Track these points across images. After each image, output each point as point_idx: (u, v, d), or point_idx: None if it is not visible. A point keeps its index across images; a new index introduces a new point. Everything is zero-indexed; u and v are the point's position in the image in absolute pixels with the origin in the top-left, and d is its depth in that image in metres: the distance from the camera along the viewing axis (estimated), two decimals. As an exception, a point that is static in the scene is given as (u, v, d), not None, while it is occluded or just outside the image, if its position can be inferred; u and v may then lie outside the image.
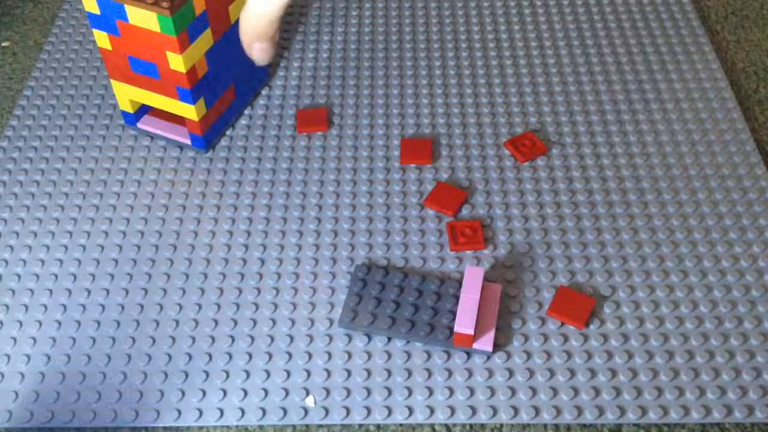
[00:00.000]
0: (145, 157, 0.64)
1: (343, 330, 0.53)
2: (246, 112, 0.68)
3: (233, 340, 0.53)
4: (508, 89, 0.70)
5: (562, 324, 0.54)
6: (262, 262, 0.57)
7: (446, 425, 0.49)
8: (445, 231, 0.59)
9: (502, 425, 0.49)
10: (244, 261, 0.57)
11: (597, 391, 0.50)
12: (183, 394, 0.50)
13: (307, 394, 0.50)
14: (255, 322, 0.54)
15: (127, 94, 0.63)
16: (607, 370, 0.51)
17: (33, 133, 0.66)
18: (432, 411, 0.49)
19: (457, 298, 0.53)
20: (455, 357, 0.52)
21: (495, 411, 0.49)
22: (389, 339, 0.53)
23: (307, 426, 0.49)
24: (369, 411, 0.50)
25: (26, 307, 0.55)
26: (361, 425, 0.49)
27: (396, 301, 0.53)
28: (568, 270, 0.57)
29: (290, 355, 0.52)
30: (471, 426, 0.49)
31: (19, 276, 0.56)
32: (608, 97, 0.69)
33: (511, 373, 0.51)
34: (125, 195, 0.61)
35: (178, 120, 0.66)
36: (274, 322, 0.54)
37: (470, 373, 0.51)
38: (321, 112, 0.67)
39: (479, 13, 0.78)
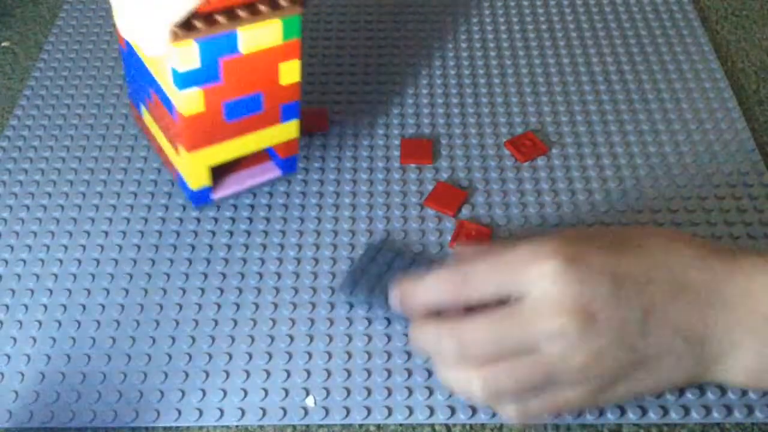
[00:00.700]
0: (146, 156, 0.64)
1: (344, 300, 0.53)
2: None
3: (233, 340, 0.53)
4: (508, 89, 0.70)
5: (562, 324, 0.54)
6: (262, 261, 0.57)
7: (446, 425, 0.49)
8: (445, 231, 0.59)
9: (502, 425, 0.49)
10: (244, 261, 0.57)
11: (597, 391, 0.50)
12: (183, 394, 0.50)
13: (307, 394, 0.50)
14: (255, 322, 0.54)
15: (207, 161, 0.55)
16: (607, 370, 0.51)
17: (33, 133, 0.66)
18: (432, 411, 0.49)
19: None
20: (455, 357, 0.52)
21: (495, 411, 0.49)
22: (389, 339, 0.53)
23: (307, 426, 0.49)
24: (369, 411, 0.50)
25: (26, 307, 0.55)
26: (361, 425, 0.49)
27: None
28: (568, 270, 0.57)
29: (290, 355, 0.52)
30: (471, 426, 0.49)
31: (19, 276, 0.56)
32: (608, 97, 0.69)
33: (511, 373, 0.51)
34: (125, 195, 0.61)
35: (254, 162, 0.60)
36: (274, 322, 0.54)
37: (470, 373, 0.51)
38: (322, 111, 0.67)
39: (479, 13, 0.78)
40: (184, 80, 0.49)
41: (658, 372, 0.41)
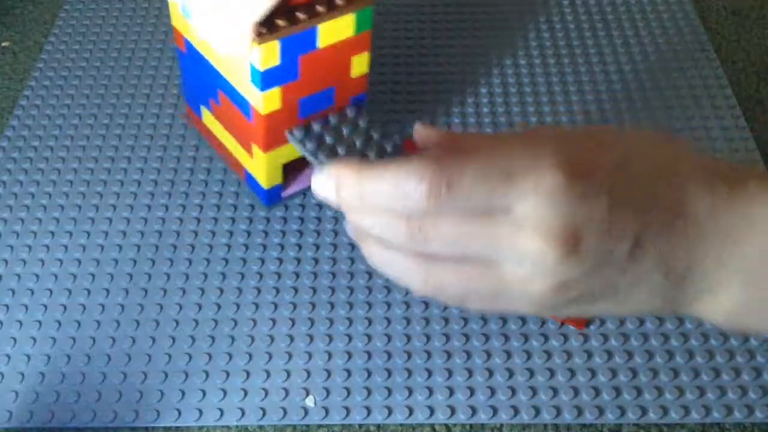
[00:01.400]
0: (145, 156, 0.64)
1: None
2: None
3: (233, 340, 0.53)
4: (508, 89, 0.70)
5: (562, 324, 0.54)
6: (262, 261, 0.57)
7: (446, 425, 0.49)
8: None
9: (502, 425, 0.49)
10: (244, 261, 0.57)
11: (597, 391, 0.50)
12: (183, 394, 0.50)
13: (307, 394, 0.50)
14: (255, 322, 0.54)
15: (281, 159, 0.55)
16: (607, 369, 0.51)
17: (33, 133, 0.66)
18: (432, 411, 0.49)
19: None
20: (455, 357, 0.52)
21: (495, 411, 0.49)
22: (389, 339, 0.53)
23: (307, 426, 0.49)
24: (369, 411, 0.50)
25: (26, 307, 0.55)
26: (361, 425, 0.49)
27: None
28: (568, 270, 0.57)
29: (290, 355, 0.52)
30: (471, 426, 0.49)
31: (19, 276, 0.56)
32: (608, 96, 0.69)
33: (511, 373, 0.51)
34: (125, 195, 0.61)
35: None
36: (273, 322, 0.54)
37: (470, 373, 0.51)
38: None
39: (479, 13, 0.78)
40: (265, 79, 0.49)
41: (623, 303, 0.37)
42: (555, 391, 0.50)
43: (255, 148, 0.54)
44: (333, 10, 0.49)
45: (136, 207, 0.61)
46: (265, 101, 0.50)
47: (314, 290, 0.55)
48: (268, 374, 0.51)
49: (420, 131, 0.39)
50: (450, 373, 0.51)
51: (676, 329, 0.53)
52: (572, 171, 0.34)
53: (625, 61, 0.73)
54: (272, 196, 0.59)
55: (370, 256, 0.37)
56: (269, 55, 0.48)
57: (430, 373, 0.51)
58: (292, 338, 0.53)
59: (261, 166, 0.55)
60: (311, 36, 0.49)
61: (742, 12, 0.79)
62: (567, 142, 0.35)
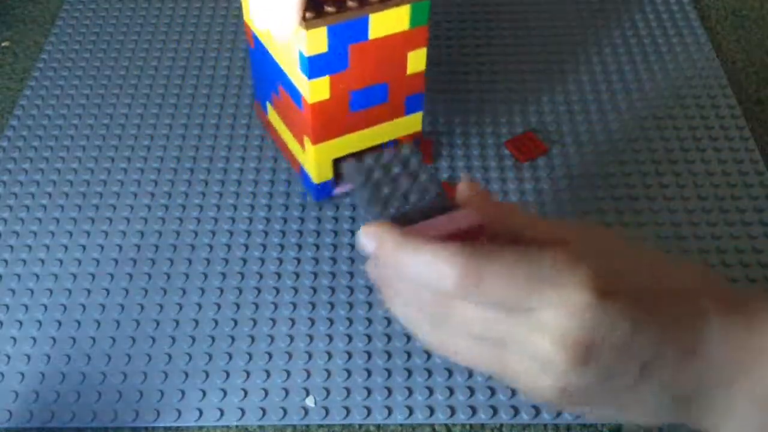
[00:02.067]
0: (145, 156, 0.64)
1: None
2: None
3: (233, 340, 0.53)
4: (508, 89, 0.70)
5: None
6: (262, 261, 0.57)
7: (446, 425, 0.49)
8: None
9: (502, 425, 0.49)
10: (244, 261, 0.57)
11: (597, 391, 0.50)
12: (183, 394, 0.50)
13: (307, 394, 0.50)
14: (255, 322, 0.54)
15: (331, 153, 0.54)
16: (607, 370, 0.51)
17: (33, 133, 0.66)
18: (432, 411, 0.49)
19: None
20: (455, 357, 0.52)
21: (495, 411, 0.49)
22: (389, 339, 0.53)
23: (307, 426, 0.49)
24: (369, 411, 0.50)
25: (26, 307, 0.55)
26: (361, 425, 0.49)
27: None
28: (568, 270, 0.57)
29: (290, 355, 0.52)
30: (471, 426, 0.49)
31: (19, 276, 0.56)
32: (608, 96, 0.69)
33: (511, 373, 0.51)
34: (125, 195, 0.61)
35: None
36: (274, 322, 0.54)
37: (470, 373, 0.51)
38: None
39: (480, 12, 0.78)
40: (312, 66, 0.48)
41: (627, 412, 0.38)
42: (555, 391, 0.50)
43: (306, 141, 0.54)
44: (386, 1, 0.48)
45: (136, 207, 0.61)
46: (312, 89, 0.49)
47: (314, 290, 0.55)
48: (268, 374, 0.51)
49: (464, 190, 0.39)
50: (450, 373, 0.51)
51: (676, 329, 0.53)
52: (600, 292, 0.34)
53: (625, 61, 0.73)
54: (322, 191, 0.57)
55: (391, 305, 0.39)
56: (316, 41, 0.47)
57: (430, 373, 0.51)
58: (292, 338, 0.53)
59: (311, 160, 0.55)
60: (362, 25, 0.48)
61: (742, 12, 0.79)
62: (598, 258, 0.36)
